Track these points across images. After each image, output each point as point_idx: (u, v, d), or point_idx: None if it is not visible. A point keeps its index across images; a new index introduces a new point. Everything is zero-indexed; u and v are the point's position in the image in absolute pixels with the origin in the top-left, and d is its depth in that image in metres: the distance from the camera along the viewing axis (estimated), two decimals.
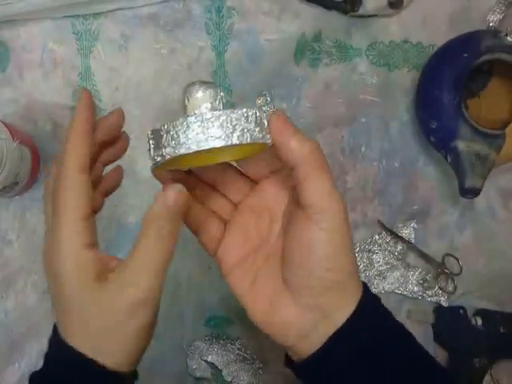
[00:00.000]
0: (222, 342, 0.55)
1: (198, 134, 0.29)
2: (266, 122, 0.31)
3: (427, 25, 0.55)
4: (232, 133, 0.30)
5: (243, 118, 0.30)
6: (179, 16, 0.54)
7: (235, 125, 0.30)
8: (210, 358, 0.55)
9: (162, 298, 0.56)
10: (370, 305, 0.33)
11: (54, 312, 0.32)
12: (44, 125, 0.54)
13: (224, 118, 0.30)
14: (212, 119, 0.29)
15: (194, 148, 0.29)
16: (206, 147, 0.29)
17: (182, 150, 0.30)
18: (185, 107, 0.32)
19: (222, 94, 0.32)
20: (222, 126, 0.29)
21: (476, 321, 0.55)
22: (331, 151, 0.56)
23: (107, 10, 0.53)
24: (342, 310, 0.32)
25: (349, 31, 0.55)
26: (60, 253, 0.31)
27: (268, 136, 0.31)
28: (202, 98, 0.31)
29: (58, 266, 0.31)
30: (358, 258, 0.56)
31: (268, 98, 0.55)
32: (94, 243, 0.32)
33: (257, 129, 0.30)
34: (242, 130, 0.30)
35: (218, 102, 0.32)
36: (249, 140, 0.30)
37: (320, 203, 0.31)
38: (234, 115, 0.30)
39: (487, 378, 0.55)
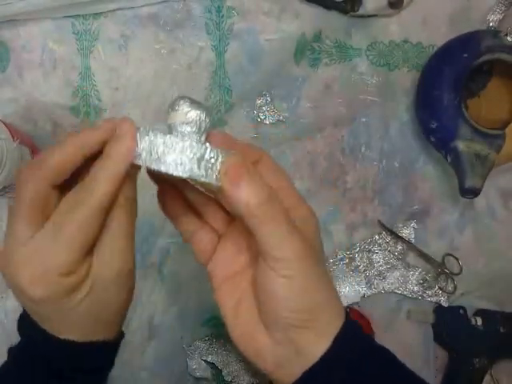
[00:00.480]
0: (221, 342, 0.55)
1: (159, 153, 0.30)
2: (218, 165, 0.30)
3: (427, 25, 0.55)
4: (183, 165, 0.30)
5: (198, 153, 0.30)
6: (179, 16, 0.54)
7: (192, 158, 0.30)
8: (210, 358, 0.55)
9: (162, 297, 0.56)
10: (348, 337, 0.32)
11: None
12: (44, 125, 0.54)
13: (180, 146, 0.30)
14: (173, 144, 0.30)
15: (154, 167, 0.30)
16: (163, 170, 0.30)
17: (148, 164, 0.30)
18: (167, 116, 0.32)
19: (207, 119, 0.32)
20: (181, 152, 0.30)
21: (476, 321, 0.55)
22: (331, 151, 0.56)
23: (107, 10, 0.53)
24: (316, 345, 0.31)
25: (349, 31, 0.55)
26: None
27: (215, 178, 0.30)
28: (181, 115, 0.31)
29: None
30: (358, 258, 0.56)
31: (268, 98, 0.55)
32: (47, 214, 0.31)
33: (204, 172, 0.30)
34: (196, 165, 0.30)
35: (198, 126, 0.32)
36: (198, 178, 0.30)
37: (274, 253, 0.30)
38: (193, 148, 0.30)
39: (487, 378, 0.55)
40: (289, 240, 0.30)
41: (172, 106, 0.32)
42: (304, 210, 0.34)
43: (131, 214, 0.32)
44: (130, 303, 0.34)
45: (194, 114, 0.31)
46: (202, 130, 0.32)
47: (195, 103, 0.32)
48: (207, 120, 0.32)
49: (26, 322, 0.33)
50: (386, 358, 0.33)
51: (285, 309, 0.31)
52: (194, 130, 0.31)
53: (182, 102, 0.31)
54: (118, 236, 0.31)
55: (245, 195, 0.29)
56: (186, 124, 0.31)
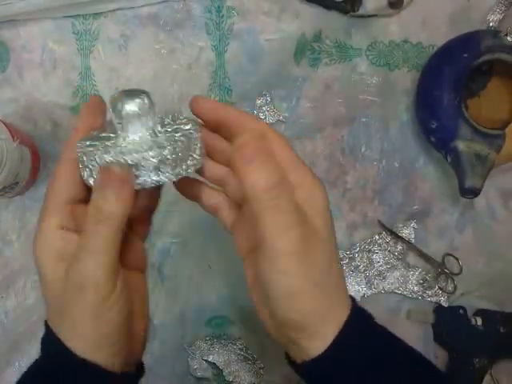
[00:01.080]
0: (223, 342, 0.55)
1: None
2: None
3: (427, 25, 0.55)
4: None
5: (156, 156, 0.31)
6: (179, 16, 0.54)
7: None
8: (211, 358, 0.55)
9: (162, 297, 0.56)
10: (352, 337, 0.31)
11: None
12: (44, 125, 0.54)
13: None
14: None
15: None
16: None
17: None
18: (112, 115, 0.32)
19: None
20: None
21: (476, 321, 0.55)
22: (331, 151, 0.56)
23: (107, 10, 0.53)
24: (314, 347, 0.30)
25: (349, 31, 0.55)
26: (35, 236, 0.31)
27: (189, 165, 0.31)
28: (130, 115, 0.32)
29: (33, 249, 0.31)
30: (358, 258, 0.56)
31: (268, 98, 0.55)
32: (77, 228, 0.31)
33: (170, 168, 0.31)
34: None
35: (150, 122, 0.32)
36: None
37: (272, 243, 0.29)
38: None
39: (487, 378, 0.55)
40: (290, 232, 0.28)
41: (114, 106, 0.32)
42: (310, 187, 0.32)
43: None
44: (148, 322, 0.34)
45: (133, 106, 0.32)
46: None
47: (133, 94, 0.32)
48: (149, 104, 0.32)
49: (50, 340, 0.31)
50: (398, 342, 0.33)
51: (282, 308, 0.30)
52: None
53: (124, 99, 0.32)
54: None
55: (255, 175, 0.28)
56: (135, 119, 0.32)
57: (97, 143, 0.31)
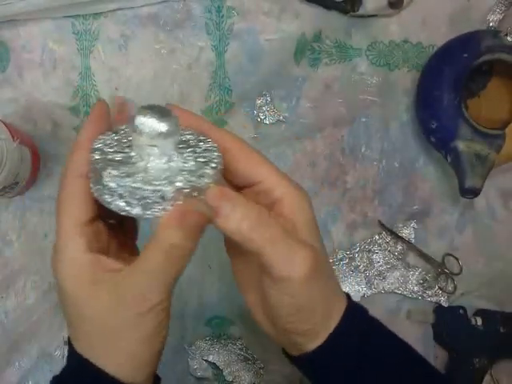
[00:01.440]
0: (223, 341, 0.55)
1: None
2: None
3: (427, 25, 0.55)
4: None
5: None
6: (179, 16, 0.54)
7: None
8: (211, 358, 0.55)
9: None
10: (348, 328, 0.33)
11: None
12: (44, 125, 0.54)
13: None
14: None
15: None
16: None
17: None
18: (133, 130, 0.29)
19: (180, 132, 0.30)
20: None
21: (476, 321, 0.55)
22: (331, 151, 0.56)
23: (107, 10, 0.53)
24: (313, 343, 0.32)
25: (349, 31, 0.55)
26: (57, 260, 0.30)
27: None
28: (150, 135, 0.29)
29: (56, 273, 0.30)
30: (358, 258, 0.56)
31: (268, 98, 0.55)
32: (99, 247, 0.31)
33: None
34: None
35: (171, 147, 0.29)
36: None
37: (277, 273, 0.29)
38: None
39: (487, 378, 0.55)
40: (292, 259, 0.29)
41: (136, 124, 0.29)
42: (295, 197, 0.32)
43: None
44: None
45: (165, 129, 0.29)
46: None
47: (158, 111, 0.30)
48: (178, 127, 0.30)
49: (75, 352, 0.31)
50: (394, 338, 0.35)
51: (284, 321, 0.31)
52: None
53: (148, 116, 0.29)
54: None
55: (234, 223, 0.29)
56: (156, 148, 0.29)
57: (114, 162, 0.29)
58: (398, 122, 0.56)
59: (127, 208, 0.29)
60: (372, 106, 0.56)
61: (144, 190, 0.28)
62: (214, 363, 0.55)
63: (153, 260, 0.29)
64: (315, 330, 0.32)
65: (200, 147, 0.31)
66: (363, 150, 0.56)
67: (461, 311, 0.55)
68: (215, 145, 0.32)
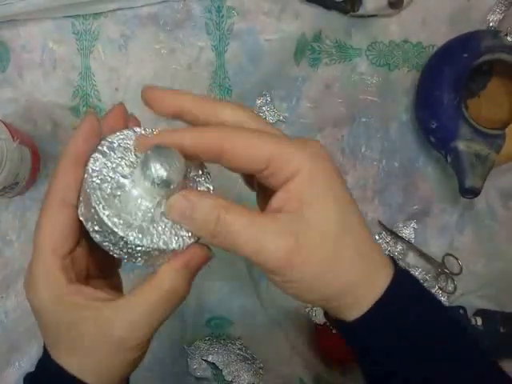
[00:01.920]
0: (222, 341, 0.55)
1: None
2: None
3: (427, 25, 0.55)
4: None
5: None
6: (179, 16, 0.54)
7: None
8: (210, 358, 0.55)
9: None
10: (393, 301, 0.29)
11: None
12: (44, 125, 0.54)
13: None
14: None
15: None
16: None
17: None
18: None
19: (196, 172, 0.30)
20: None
21: (476, 321, 0.55)
22: (331, 151, 0.56)
23: (107, 10, 0.53)
24: (353, 312, 0.29)
25: (349, 31, 0.55)
26: (35, 288, 0.29)
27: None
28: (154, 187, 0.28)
29: (33, 299, 0.30)
30: None
31: (268, 98, 0.55)
32: (78, 272, 0.30)
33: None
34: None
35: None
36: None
37: (266, 268, 0.28)
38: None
39: None
40: (271, 248, 0.27)
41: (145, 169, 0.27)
42: (294, 164, 0.28)
43: None
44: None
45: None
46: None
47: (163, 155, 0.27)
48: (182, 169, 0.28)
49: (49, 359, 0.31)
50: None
51: (303, 298, 0.30)
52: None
53: (157, 164, 0.27)
54: None
55: (198, 227, 0.28)
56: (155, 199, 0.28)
57: (108, 196, 0.28)
58: (398, 122, 0.56)
59: (114, 252, 0.29)
60: (372, 106, 0.56)
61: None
62: (214, 363, 0.55)
63: (150, 299, 0.29)
64: (351, 297, 0.29)
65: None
66: (363, 150, 0.56)
67: (461, 311, 0.55)
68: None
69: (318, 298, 0.30)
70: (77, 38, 0.54)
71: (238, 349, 0.55)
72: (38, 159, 0.53)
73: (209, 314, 0.55)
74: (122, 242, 0.28)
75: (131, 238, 0.27)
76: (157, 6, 0.53)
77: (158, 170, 0.27)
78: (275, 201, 0.29)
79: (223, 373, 0.55)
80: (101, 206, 0.27)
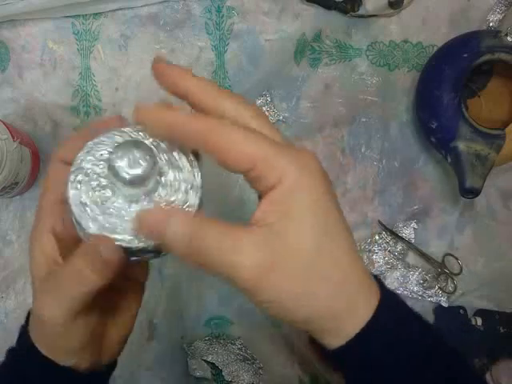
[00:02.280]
0: (222, 341, 0.55)
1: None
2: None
3: (427, 25, 0.55)
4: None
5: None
6: (179, 16, 0.54)
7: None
8: (210, 358, 0.55)
9: (162, 297, 0.56)
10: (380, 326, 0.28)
11: None
12: (44, 125, 0.54)
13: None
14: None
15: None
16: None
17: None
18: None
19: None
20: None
21: (476, 321, 0.55)
22: (331, 151, 0.56)
23: (107, 10, 0.53)
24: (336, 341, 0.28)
25: (349, 31, 0.55)
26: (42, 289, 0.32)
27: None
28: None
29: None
30: None
31: (268, 98, 0.55)
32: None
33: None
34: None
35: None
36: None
37: (238, 284, 0.27)
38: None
39: (487, 377, 0.55)
40: (244, 263, 0.26)
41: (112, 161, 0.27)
42: (278, 172, 0.26)
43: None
44: (131, 328, 0.35)
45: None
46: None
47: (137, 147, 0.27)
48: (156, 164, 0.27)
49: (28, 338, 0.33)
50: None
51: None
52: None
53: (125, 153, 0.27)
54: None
55: (168, 244, 0.26)
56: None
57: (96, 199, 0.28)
58: (398, 121, 0.56)
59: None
60: (372, 106, 0.56)
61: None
62: (213, 363, 0.55)
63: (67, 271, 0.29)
64: (335, 324, 0.27)
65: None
66: (363, 150, 0.56)
67: (461, 311, 0.55)
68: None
69: (296, 321, 0.28)
70: (77, 38, 0.54)
71: (238, 349, 0.55)
72: (37, 159, 0.53)
73: (208, 313, 0.55)
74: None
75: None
76: (157, 6, 0.53)
77: (126, 168, 0.26)
78: (258, 210, 0.27)
79: (223, 373, 0.55)
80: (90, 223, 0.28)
